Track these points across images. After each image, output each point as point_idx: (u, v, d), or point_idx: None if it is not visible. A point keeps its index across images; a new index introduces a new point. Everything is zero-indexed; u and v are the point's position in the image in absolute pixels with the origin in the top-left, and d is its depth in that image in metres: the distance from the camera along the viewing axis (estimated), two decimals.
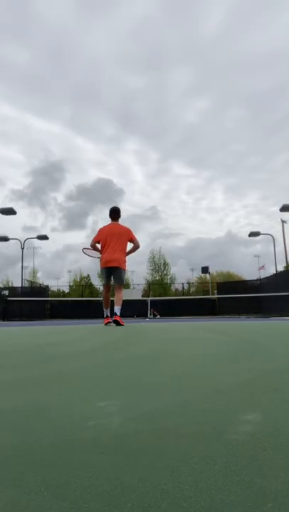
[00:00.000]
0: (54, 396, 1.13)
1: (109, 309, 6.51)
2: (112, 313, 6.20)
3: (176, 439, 0.72)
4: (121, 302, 6.37)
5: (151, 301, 22.71)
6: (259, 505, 0.47)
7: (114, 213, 6.64)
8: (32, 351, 2.63)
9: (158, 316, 22.57)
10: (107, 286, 6.55)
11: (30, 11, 70.49)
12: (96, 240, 6.55)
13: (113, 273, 6.40)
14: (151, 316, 22.04)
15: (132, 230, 6.57)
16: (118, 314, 6.17)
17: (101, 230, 6.54)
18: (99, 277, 47.50)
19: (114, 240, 6.35)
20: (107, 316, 6.48)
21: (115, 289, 6.58)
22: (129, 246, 6.59)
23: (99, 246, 6.54)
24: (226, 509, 0.46)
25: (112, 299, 6.65)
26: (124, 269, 6.50)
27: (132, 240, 6.51)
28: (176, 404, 0.98)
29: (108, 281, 6.50)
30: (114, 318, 6.14)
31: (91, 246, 6.62)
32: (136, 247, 6.61)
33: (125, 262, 6.49)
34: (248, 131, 76.81)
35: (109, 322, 6.29)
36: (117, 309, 6.22)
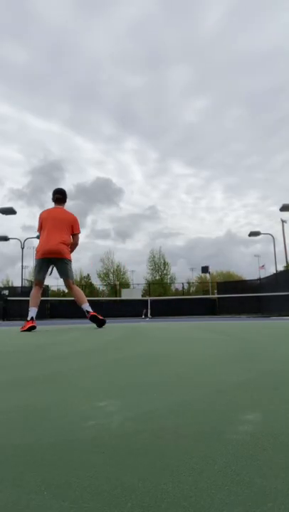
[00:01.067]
0: (54, 396, 1.13)
1: (35, 310, 5.12)
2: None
3: (176, 439, 0.72)
4: (85, 299, 5.19)
5: (145, 301, 22.70)
6: (259, 505, 0.47)
7: (58, 194, 5.37)
8: (32, 351, 2.63)
9: (149, 316, 22.47)
10: (40, 282, 5.21)
11: (29, 10, 70.42)
12: (39, 230, 5.23)
13: (56, 266, 5.16)
14: (150, 316, 21.92)
15: (78, 220, 5.28)
16: (91, 310, 5.08)
17: (40, 216, 5.26)
18: (99, 277, 47.37)
19: (53, 225, 5.08)
20: (32, 319, 4.97)
21: (69, 287, 5.27)
22: None
23: None
24: (226, 509, 0.46)
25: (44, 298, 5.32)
26: (70, 260, 5.22)
27: (75, 233, 5.19)
28: (176, 404, 0.98)
29: (44, 276, 5.19)
30: (90, 314, 5.04)
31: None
32: (75, 243, 5.25)
33: (69, 251, 5.19)
34: (248, 130, 76.76)
35: (33, 327, 4.92)
36: (87, 306, 5.12)
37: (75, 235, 5.22)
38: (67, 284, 5.24)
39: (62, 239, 5.06)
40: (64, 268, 5.12)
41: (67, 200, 5.58)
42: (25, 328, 4.86)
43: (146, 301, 22.75)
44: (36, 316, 5.14)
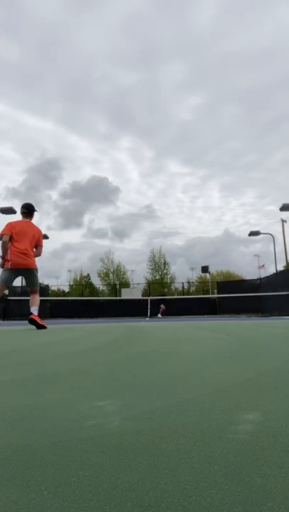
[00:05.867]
0: (54, 395, 1.13)
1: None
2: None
3: (176, 439, 0.72)
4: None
5: (160, 299, 22.08)
6: (259, 504, 0.47)
7: (23, 208, 5.92)
8: (32, 351, 2.63)
9: (159, 316, 21.81)
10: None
11: (22, 7, 70.18)
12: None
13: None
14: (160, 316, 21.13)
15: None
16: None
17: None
18: (99, 276, 47.41)
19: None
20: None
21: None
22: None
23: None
24: (226, 508, 0.46)
25: None
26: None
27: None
28: (176, 404, 0.98)
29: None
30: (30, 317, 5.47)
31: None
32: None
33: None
34: (244, 128, 76.39)
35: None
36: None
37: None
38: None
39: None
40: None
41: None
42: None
43: (146, 300, 22.55)
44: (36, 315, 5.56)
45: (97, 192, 75.22)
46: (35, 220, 6.24)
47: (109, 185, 77.03)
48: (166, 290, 25.56)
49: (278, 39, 67.98)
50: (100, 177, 76.03)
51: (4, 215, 24.19)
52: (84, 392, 1.17)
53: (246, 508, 0.46)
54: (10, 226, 5.64)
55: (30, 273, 5.68)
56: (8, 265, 5.51)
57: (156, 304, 21.84)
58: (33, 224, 5.88)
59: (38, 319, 5.51)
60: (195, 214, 78.09)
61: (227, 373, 1.43)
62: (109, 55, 73.11)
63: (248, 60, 70.30)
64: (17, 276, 5.82)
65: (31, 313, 5.54)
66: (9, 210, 24.39)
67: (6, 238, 5.57)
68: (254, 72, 71.98)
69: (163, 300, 21.82)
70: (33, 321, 5.48)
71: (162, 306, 21.39)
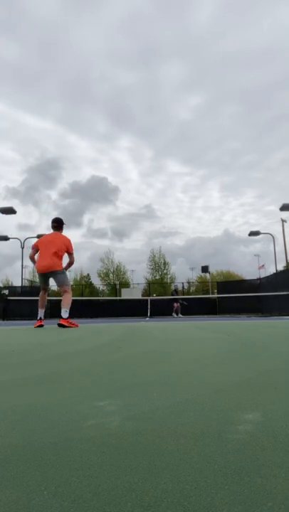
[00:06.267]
0: (54, 395, 1.13)
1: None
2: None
3: (176, 439, 0.72)
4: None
5: (178, 298, 21.71)
6: (259, 504, 0.47)
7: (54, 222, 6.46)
8: (32, 351, 2.63)
9: (179, 315, 21.09)
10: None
11: (22, 7, 69.84)
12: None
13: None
14: (179, 315, 20.59)
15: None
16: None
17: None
18: (99, 276, 47.52)
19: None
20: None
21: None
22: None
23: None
24: (226, 508, 0.46)
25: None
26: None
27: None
28: (176, 404, 0.98)
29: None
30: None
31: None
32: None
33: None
34: (244, 128, 76.06)
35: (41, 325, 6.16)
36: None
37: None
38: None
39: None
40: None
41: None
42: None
43: (147, 300, 22.43)
44: (36, 315, 6.32)
45: (96, 192, 75.17)
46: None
47: (109, 185, 77.06)
48: (176, 288, 24.98)
49: (278, 39, 67.69)
50: (99, 177, 75.92)
51: (4, 215, 24.18)
52: (84, 392, 1.17)
53: (246, 508, 0.46)
54: (37, 241, 6.32)
55: (54, 274, 6.09)
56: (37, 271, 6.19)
57: (170, 303, 21.54)
58: (60, 234, 6.32)
59: (66, 323, 5.73)
60: (195, 214, 77.98)
61: (227, 373, 1.43)
62: (108, 54, 72.92)
63: (248, 59, 70.05)
64: (48, 280, 6.33)
65: (61, 317, 5.83)
66: (9, 210, 24.39)
67: (31, 253, 6.31)
68: (254, 72, 71.66)
69: (174, 299, 21.60)
70: (61, 326, 5.73)
71: (175, 304, 21.13)
